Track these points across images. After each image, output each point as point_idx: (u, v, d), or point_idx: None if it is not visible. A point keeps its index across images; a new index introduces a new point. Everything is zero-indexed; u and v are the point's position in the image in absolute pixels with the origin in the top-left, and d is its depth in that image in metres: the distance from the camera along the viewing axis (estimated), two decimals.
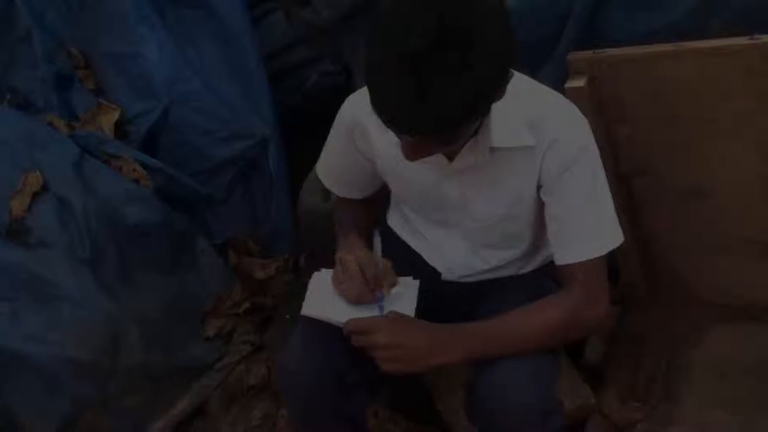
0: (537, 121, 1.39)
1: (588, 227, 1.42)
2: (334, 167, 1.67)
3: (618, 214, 1.46)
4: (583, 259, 1.42)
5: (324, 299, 1.49)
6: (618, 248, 1.46)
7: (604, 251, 1.43)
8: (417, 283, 1.54)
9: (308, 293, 1.53)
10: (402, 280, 1.53)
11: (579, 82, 1.71)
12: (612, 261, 1.84)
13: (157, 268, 2.13)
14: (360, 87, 1.55)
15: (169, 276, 2.14)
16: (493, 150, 1.39)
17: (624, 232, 1.47)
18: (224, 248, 2.31)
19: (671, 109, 1.74)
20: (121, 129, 2.25)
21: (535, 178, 1.42)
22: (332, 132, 1.62)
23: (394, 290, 1.49)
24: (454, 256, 1.60)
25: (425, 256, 1.65)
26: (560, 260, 1.44)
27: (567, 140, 1.39)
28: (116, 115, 2.25)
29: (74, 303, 1.95)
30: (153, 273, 2.12)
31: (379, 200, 1.73)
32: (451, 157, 1.42)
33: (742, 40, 1.61)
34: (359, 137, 1.55)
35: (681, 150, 1.79)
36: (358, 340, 1.39)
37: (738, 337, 1.87)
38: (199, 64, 2.33)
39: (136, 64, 2.29)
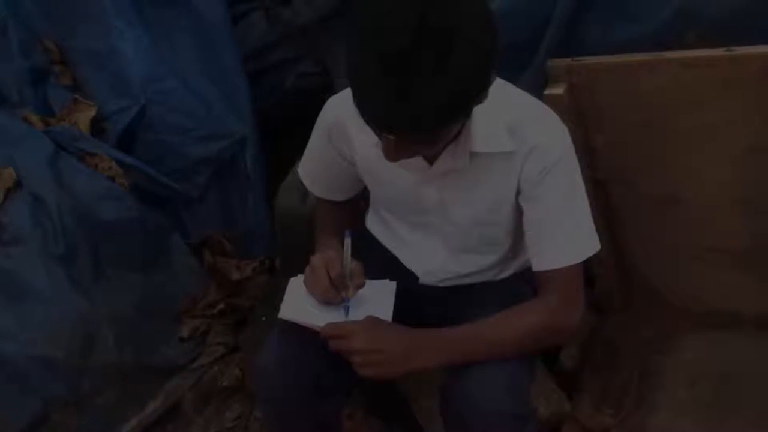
0: (517, 126, 1.39)
1: (565, 234, 1.42)
2: (315, 168, 1.67)
3: (594, 221, 1.47)
4: (560, 266, 1.42)
5: (301, 303, 1.49)
6: (594, 255, 1.46)
7: (581, 258, 1.44)
8: (394, 285, 1.53)
9: (286, 297, 1.52)
10: (379, 283, 1.53)
11: (558, 90, 1.72)
12: (588, 267, 1.85)
13: (131, 266, 2.11)
14: (339, 88, 1.55)
15: (144, 275, 2.13)
16: (473, 155, 1.40)
17: (600, 238, 1.48)
18: (200, 248, 2.30)
19: (647, 118, 1.75)
20: (97, 126, 2.23)
21: (514, 184, 1.43)
22: (314, 133, 1.61)
23: (368, 292, 1.48)
24: (433, 260, 1.60)
25: (403, 260, 1.65)
26: (537, 266, 1.45)
27: (547, 147, 1.40)
28: (93, 112, 2.22)
29: (47, 301, 1.93)
30: (127, 272, 2.10)
31: (359, 203, 1.73)
32: (431, 161, 1.43)
33: (717, 52, 1.63)
34: (339, 139, 1.55)
35: (656, 158, 1.80)
36: (335, 344, 1.39)
37: (708, 345, 1.90)
38: (177, 62, 2.32)
39: (113, 60, 2.27)
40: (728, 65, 1.62)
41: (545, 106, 1.48)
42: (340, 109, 1.51)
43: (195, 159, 2.28)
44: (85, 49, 2.29)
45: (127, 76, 2.25)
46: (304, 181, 1.71)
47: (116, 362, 2.01)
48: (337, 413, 1.62)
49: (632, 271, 1.96)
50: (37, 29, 2.30)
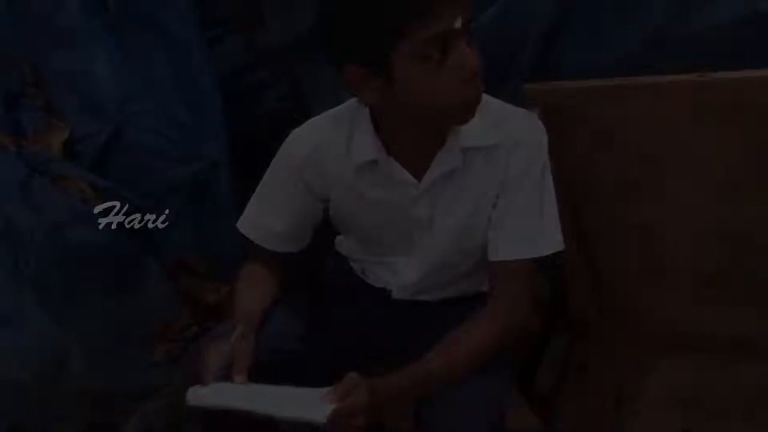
0: (501, 122, 1.42)
1: (530, 228, 1.43)
2: (276, 213, 1.57)
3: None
4: (519, 257, 1.43)
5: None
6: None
7: (541, 253, 1.44)
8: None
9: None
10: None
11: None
12: (563, 293, 1.85)
13: (104, 290, 2.08)
14: (314, 111, 1.53)
15: (117, 299, 2.10)
16: (464, 151, 1.41)
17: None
18: (174, 271, 2.28)
19: (621, 143, 1.77)
20: (70, 148, 2.21)
21: (499, 179, 1.43)
22: (276, 176, 1.55)
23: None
24: (408, 275, 1.57)
25: (376, 276, 1.63)
26: (494, 256, 1.45)
27: (531, 141, 1.43)
28: (66, 134, 2.20)
29: (17, 325, 1.89)
30: (100, 295, 2.07)
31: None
32: (419, 177, 1.43)
33: (690, 77, 1.65)
34: (313, 172, 1.50)
35: (628, 183, 1.82)
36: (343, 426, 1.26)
37: (684, 368, 1.90)
38: (152, 85, 2.31)
39: (87, 82, 2.26)
40: (700, 91, 1.64)
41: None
42: (309, 141, 1.49)
43: (169, 182, 2.26)
44: (59, 71, 2.28)
45: (101, 98, 2.24)
46: (253, 234, 1.60)
47: (88, 387, 1.98)
48: None
49: (607, 295, 1.96)
50: (10, 51, 2.28)
